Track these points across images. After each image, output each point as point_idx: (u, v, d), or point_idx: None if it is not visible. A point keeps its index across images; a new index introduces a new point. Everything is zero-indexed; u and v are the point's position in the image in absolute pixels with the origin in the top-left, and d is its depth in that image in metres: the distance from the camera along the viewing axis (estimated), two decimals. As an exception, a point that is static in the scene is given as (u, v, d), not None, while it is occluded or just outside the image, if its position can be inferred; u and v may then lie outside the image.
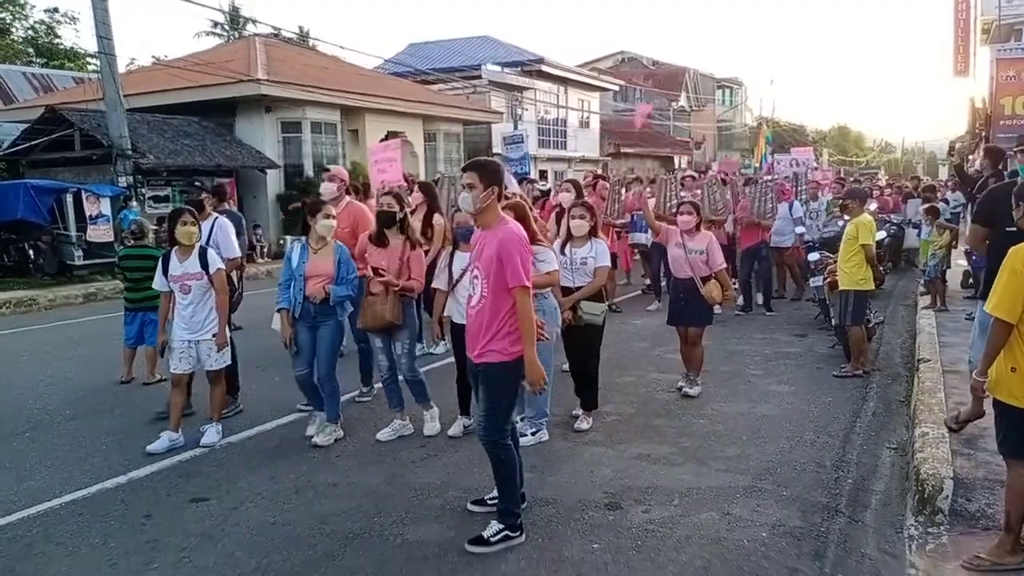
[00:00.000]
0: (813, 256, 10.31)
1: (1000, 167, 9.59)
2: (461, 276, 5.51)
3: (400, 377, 6.09)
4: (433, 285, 5.94)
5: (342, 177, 7.40)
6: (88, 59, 32.19)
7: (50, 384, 8.01)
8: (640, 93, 48.48)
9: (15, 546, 4.37)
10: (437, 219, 8.14)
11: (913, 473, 4.77)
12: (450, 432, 5.98)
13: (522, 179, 18.74)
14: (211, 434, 5.95)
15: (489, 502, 4.55)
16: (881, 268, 10.57)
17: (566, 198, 7.69)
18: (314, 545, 4.30)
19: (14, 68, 28.02)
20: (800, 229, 11.84)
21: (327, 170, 7.69)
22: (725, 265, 7.24)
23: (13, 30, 34.52)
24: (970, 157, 21.26)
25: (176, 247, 5.95)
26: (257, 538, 4.39)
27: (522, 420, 5.78)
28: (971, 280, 10.99)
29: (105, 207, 16.66)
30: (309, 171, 21.11)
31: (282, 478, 5.25)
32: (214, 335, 5.95)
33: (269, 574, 4.00)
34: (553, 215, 8.90)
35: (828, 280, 8.65)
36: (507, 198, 5.25)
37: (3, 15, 33.67)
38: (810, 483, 5.05)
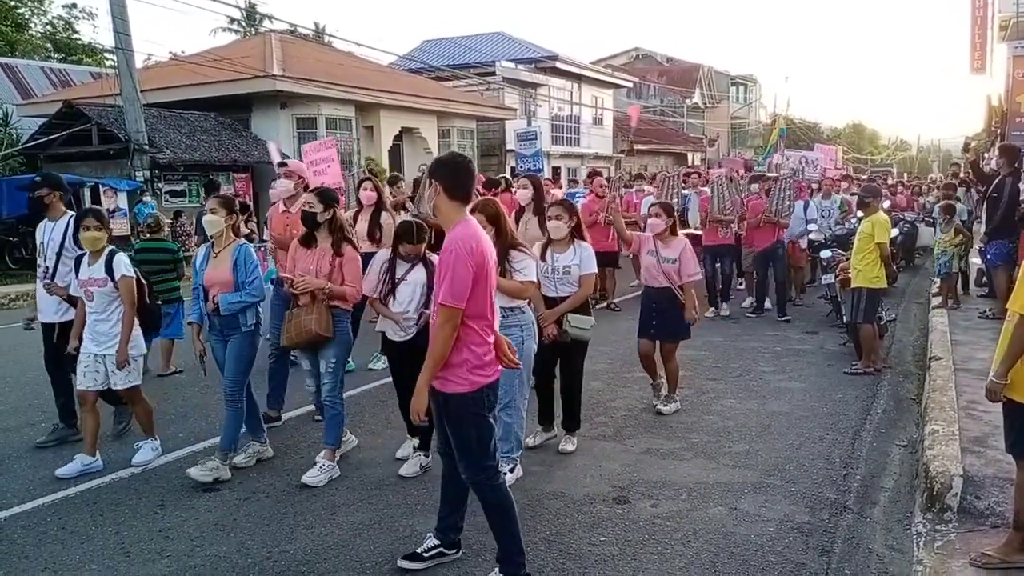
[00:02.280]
0: (825, 253, 10.28)
1: (1017, 165, 9.54)
2: (397, 284, 5.05)
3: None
4: (363, 291, 5.27)
5: (301, 173, 6.74)
6: (106, 54, 32.38)
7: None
8: (654, 90, 48.40)
9: (30, 534, 4.44)
10: (386, 219, 7.48)
11: (922, 470, 4.76)
12: (402, 472, 5.16)
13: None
14: (146, 451, 5.47)
15: (425, 556, 3.98)
16: (894, 266, 10.49)
17: (523, 195, 7.08)
18: (324, 536, 4.34)
19: (33, 63, 28.23)
20: (812, 226, 11.77)
21: (284, 164, 7.04)
22: (699, 276, 6.64)
23: (32, 25, 34.85)
24: (986, 155, 21.08)
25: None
26: (268, 528, 4.45)
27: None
28: (985, 279, 10.93)
29: (122, 201, 16.80)
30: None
31: (293, 470, 5.30)
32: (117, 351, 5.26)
33: (280, 564, 4.06)
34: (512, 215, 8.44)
35: (840, 277, 8.63)
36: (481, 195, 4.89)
37: (22, 10, 33.98)
38: (819, 479, 5.06)
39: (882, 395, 6.98)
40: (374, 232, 7.41)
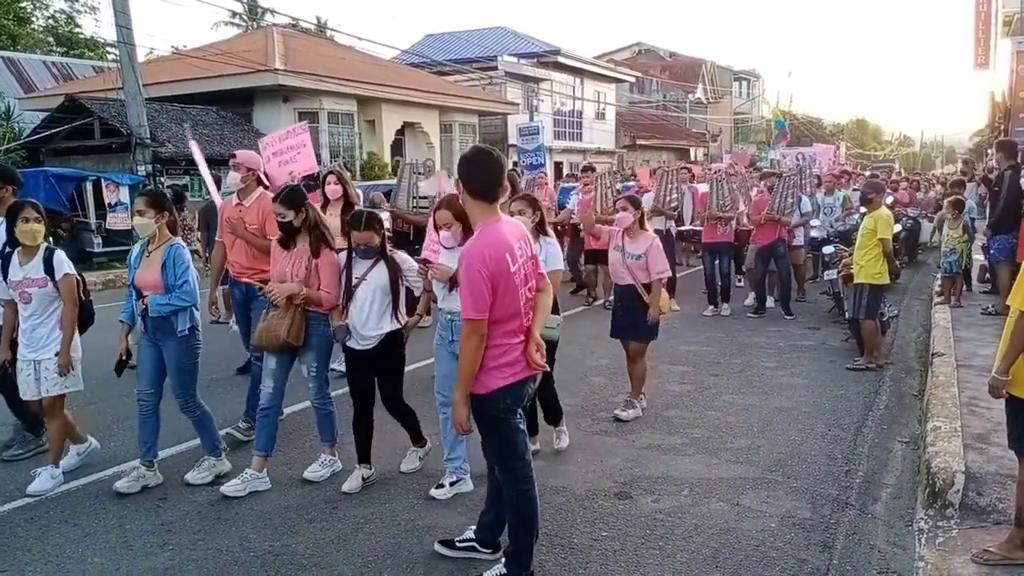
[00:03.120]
0: (828, 249, 10.26)
1: (1018, 160, 9.52)
2: (357, 285, 4.79)
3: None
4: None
5: (250, 164, 6.29)
6: (108, 48, 32.39)
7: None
8: (657, 85, 48.34)
9: (33, 527, 4.45)
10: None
11: (924, 467, 4.76)
12: (345, 487, 4.88)
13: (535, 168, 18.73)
14: (43, 480, 4.94)
15: (457, 545, 4.04)
16: (897, 262, 10.41)
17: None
18: (326, 529, 4.35)
19: (35, 57, 28.21)
20: (815, 222, 11.73)
21: (234, 156, 6.54)
22: (668, 274, 6.26)
23: (34, 19, 34.78)
24: (989, 151, 21.02)
25: (19, 247, 4.95)
26: (270, 521, 4.45)
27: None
28: (987, 275, 10.90)
29: (124, 195, 16.81)
30: (326, 160, 21.17)
31: (295, 464, 5.30)
32: (57, 354, 4.91)
33: (282, 557, 4.06)
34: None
35: (843, 273, 8.62)
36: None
37: (24, 4, 33.91)
38: (821, 475, 5.06)
39: (884, 391, 6.98)
40: (345, 227, 7.17)
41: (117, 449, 5.65)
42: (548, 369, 4.00)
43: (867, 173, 19.57)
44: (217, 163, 18.81)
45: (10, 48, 29.06)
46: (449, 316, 4.61)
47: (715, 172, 12.23)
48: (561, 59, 32.22)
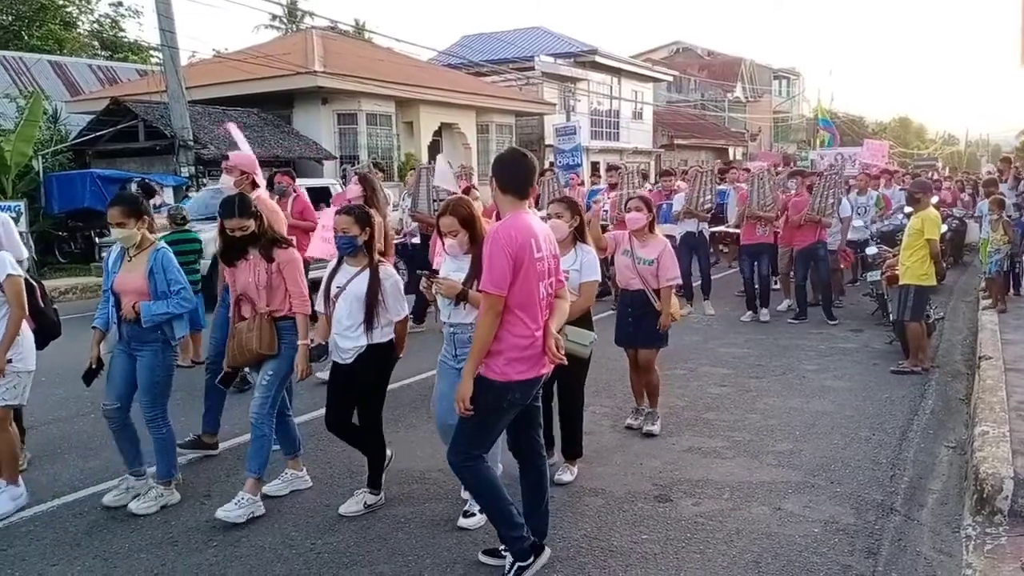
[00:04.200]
0: (871, 250, 10.10)
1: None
2: (339, 294, 4.48)
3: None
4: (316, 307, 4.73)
5: (243, 167, 5.94)
6: (151, 52, 32.96)
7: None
8: (695, 84, 47.99)
9: (80, 522, 4.54)
10: (376, 219, 6.88)
11: (972, 472, 4.67)
12: (342, 509, 4.57)
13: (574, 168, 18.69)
14: (3, 501, 4.64)
15: (503, 553, 3.89)
16: (943, 263, 10.16)
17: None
18: (367, 528, 4.39)
19: (81, 60, 28.79)
20: (858, 223, 11.54)
21: (227, 158, 6.32)
22: (679, 281, 6.01)
23: (79, 23, 35.54)
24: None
25: None
26: (312, 520, 4.50)
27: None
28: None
29: (168, 196, 17.06)
30: (364, 161, 21.35)
31: (335, 463, 5.35)
32: None
33: (323, 555, 4.10)
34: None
35: (887, 275, 8.48)
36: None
37: (70, 9, 34.66)
38: (865, 480, 4.99)
39: (930, 395, 6.86)
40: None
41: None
42: (566, 363, 3.80)
43: (905, 172, 19.04)
44: (259, 164, 19.08)
45: (57, 52, 29.71)
46: (452, 330, 4.29)
47: (757, 170, 11.83)
48: (598, 59, 32.08)
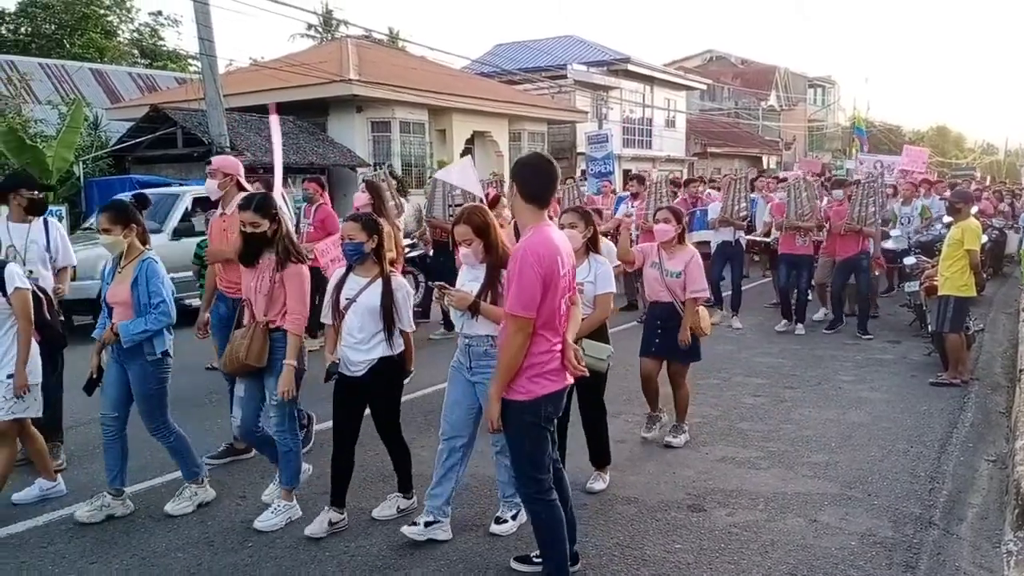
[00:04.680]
0: (909, 260, 9.96)
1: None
2: (348, 306, 4.33)
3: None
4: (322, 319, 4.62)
5: (226, 170, 5.80)
6: (189, 60, 33.54)
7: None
8: (728, 92, 47.72)
9: (120, 521, 4.60)
10: (385, 228, 6.70)
11: (1013, 487, 4.57)
12: (308, 530, 4.37)
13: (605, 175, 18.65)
14: (31, 491, 4.88)
15: (535, 560, 3.89)
16: (983, 274, 9.97)
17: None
18: (399, 533, 4.36)
19: (121, 68, 29.35)
20: (894, 232, 11.37)
21: (209, 162, 6.15)
22: (707, 294, 5.90)
23: (120, 32, 36.25)
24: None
25: None
26: (348, 521, 4.50)
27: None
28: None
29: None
30: (398, 170, 21.49)
31: (368, 467, 5.37)
32: (10, 376, 4.54)
33: (356, 559, 4.13)
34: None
35: (926, 285, 8.36)
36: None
37: (111, 18, 35.38)
38: (902, 493, 4.91)
39: (969, 407, 6.74)
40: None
41: (200, 445, 5.79)
42: (587, 375, 3.74)
43: (943, 182, 18.65)
44: (293, 171, 19.31)
45: (98, 60, 30.31)
46: (467, 341, 4.15)
47: (793, 179, 11.60)
48: (631, 67, 32.05)
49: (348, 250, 4.35)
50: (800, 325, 10.02)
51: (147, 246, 4.64)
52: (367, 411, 4.55)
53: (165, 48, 37.41)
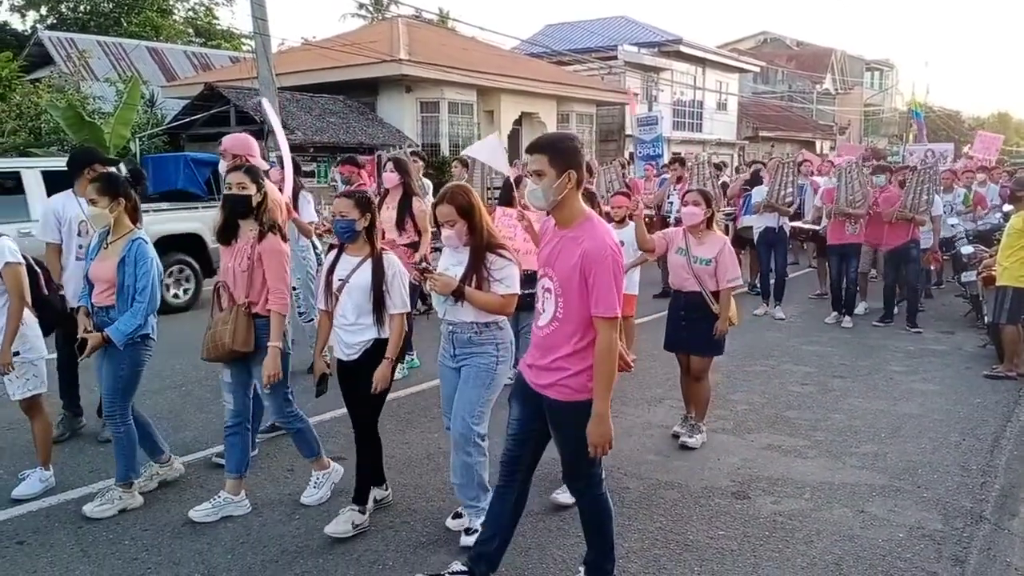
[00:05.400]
0: (967, 249, 9.70)
1: None
2: (340, 288, 4.13)
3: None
4: (316, 305, 4.43)
5: (235, 150, 5.53)
6: (243, 39, 33.96)
7: (197, 346, 8.53)
8: (782, 75, 46.83)
9: (171, 490, 4.73)
10: (417, 206, 6.67)
11: (1070, 484, 4.47)
12: (328, 529, 4.13)
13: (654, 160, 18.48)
14: (32, 482, 4.65)
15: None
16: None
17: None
18: (443, 516, 4.42)
19: (176, 47, 29.81)
20: (952, 220, 11.03)
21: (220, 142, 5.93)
22: (740, 282, 5.52)
23: (175, 11, 36.84)
24: None
25: None
26: (393, 498, 4.56)
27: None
28: None
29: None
30: (445, 151, 21.55)
31: (414, 444, 5.44)
32: (17, 353, 4.45)
33: (401, 534, 4.19)
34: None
35: (983, 275, 8.16)
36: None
37: (167, -3, 35.99)
38: (953, 486, 4.82)
39: (1025, 401, 6.58)
40: (403, 220, 6.63)
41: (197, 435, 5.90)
42: (631, 369, 3.58)
43: (1005, 169, 18.06)
44: (343, 150, 19.47)
45: (154, 38, 30.84)
46: (451, 328, 3.95)
47: (845, 163, 11.21)
48: (683, 48, 31.64)
49: (339, 228, 4.11)
50: (848, 317, 9.67)
51: (138, 224, 4.45)
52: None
53: (219, 27, 37.92)
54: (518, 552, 3.98)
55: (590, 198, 4.62)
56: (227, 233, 4.34)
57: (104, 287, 4.31)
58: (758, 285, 11.16)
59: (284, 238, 4.40)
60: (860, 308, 10.24)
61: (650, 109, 26.84)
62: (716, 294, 5.34)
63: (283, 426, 4.53)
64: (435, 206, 3.93)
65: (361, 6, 42.33)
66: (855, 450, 5.43)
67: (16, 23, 34.36)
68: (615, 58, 29.06)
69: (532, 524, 4.25)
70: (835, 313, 9.79)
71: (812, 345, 8.54)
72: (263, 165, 5.39)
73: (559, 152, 3.17)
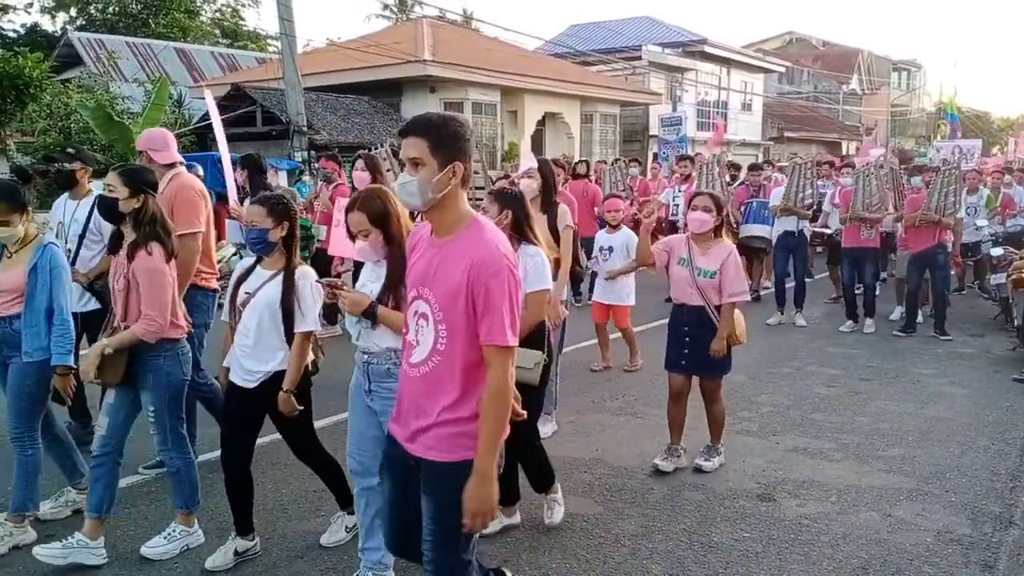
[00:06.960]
0: (996, 251, 9.58)
1: None
2: (245, 302, 3.64)
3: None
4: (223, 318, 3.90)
5: (140, 146, 4.91)
6: (269, 40, 34.25)
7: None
8: (808, 75, 46.47)
9: (202, 484, 4.75)
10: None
11: (1103, 490, 4.40)
12: (209, 563, 3.78)
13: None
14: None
15: None
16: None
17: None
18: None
19: (203, 48, 30.17)
20: (982, 221, 10.85)
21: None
22: (747, 296, 5.03)
23: (202, 12, 37.29)
24: None
25: None
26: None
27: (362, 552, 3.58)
28: None
29: (283, 180, 17.71)
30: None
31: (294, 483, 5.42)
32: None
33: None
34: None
35: (1013, 277, 8.05)
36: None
37: (195, -1, 36.39)
38: (982, 491, 4.77)
39: (1056, 406, 6.48)
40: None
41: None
42: (525, 416, 3.00)
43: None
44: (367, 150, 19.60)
45: (181, 39, 31.18)
46: (366, 358, 3.40)
47: (862, 165, 10.90)
48: (707, 48, 31.47)
49: (251, 239, 3.60)
50: (870, 320, 9.33)
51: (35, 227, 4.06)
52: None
53: (246, 28, 38.30)
54: (541, 552, 3.99)
55: (501, 199, 4.09)
56: (114, 241, 3.94)
57: (11, 298, 3.90)
58: (759, 291, 11.02)
59: (169, 254, 3.77)
60: (896, 314, 9.81)
61: (674, 109, 26.74)
62: (717, 308, 4.85)
63: (165, 463, 3.98)
64: (347, 213, 3.40)
65: (385, 7, 42.59)
66: (882, 453, 5.39)
67: (47, 24, 34.97)
68: (639, 58, 28.98)
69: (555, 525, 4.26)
70: (850, 321, 9.39)
71: (838, 347, 8.47)
72: (171, 159, 4.84)
73: (444, 139, 2.48)
